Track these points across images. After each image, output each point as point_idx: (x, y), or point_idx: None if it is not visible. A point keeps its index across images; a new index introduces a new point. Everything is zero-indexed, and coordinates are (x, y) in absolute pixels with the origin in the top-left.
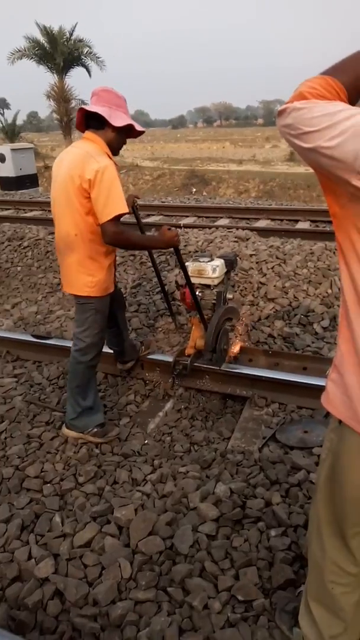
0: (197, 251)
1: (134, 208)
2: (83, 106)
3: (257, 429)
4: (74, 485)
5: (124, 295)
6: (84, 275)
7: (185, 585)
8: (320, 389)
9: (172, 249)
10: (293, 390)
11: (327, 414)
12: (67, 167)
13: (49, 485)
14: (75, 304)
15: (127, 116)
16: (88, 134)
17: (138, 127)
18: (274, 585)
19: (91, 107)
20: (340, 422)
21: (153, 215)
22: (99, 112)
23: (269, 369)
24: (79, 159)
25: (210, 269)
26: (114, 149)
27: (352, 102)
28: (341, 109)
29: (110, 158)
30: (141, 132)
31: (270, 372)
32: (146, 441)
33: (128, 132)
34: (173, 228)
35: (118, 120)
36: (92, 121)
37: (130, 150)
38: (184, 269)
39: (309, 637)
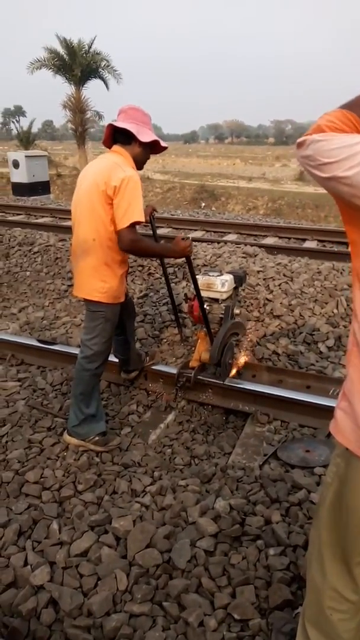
0: (205, 265)
1: (151, 218)
2: (112, 122)
3: (259, 446)
4: (73, 493)
5: None
6: (96, 280)
7: (182, 601)
8: (323, 409)
9: (184, 259)
10: (296, 408)
11: (329, 434)
12: (93, 174)
13: (48, 491)
14: (86, 311)
15: (152, 133)
16: (116, 147)
17: (163, 143)
18: (271, 605)
19: (120, 123)
20: (347, 449)
21: (162, 227)
22: (128, 128)
23: (272, 386)
24: (106, 168)
25: (220, 283)
26: (139, 162)
27: None
28: (359, 141)
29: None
30: (164, 148)
31: (274, 389)
32: (147, 452)
33: (153, 148)
34: (187, 238)
35: (145, 136)
36: (119, 136)
37: None
38: (194, 280)
39: None
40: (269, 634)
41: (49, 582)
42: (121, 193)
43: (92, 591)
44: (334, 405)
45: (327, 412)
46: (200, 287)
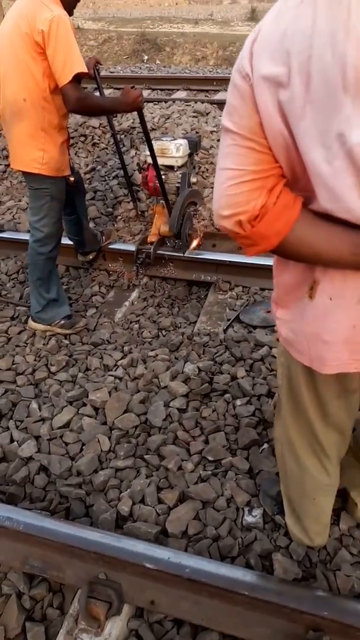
0: (154, 129)
1: (95, 72)
2: None
3: (222, 312)
4: (47, 375)
5: None
6: (33, 149)
7: (161, 452)
8: None
9: (132, 122)
10: (256, 272)
11: None
12: (14, 18)
13: (22, 376)
14: (28, 190)
15: None
16: None
17: None
18: (240, 445)
19: None
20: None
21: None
22: None
23: (232, 253)
24: (28, 8)
25: (174, 148)
26: (68, 4)
27: None
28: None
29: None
30: None
31: (234, 257)
32: (114, 330)
33: None
34: (137, 87)
35: None
36: None
37: None
38: (148, 140)
39: (302, 540)
40: (238, 469)
41: (37, 453)
42: (53, 41)
43: (79, 455)
44: None
45: None
46: None
